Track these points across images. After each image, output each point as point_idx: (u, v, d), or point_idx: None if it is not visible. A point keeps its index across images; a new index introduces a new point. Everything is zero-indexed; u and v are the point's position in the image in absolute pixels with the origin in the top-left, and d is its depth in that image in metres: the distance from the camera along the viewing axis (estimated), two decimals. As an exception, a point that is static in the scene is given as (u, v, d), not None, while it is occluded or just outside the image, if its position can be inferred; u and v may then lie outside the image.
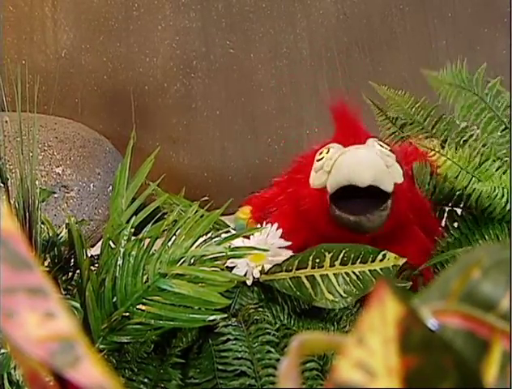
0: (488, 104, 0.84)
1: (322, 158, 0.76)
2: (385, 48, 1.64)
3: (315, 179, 0.77)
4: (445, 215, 0.82)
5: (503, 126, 0.83)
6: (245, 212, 0.89)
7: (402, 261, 0.71)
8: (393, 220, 0.75)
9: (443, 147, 0.78)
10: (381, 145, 0.77)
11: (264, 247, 0.71)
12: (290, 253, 0.74)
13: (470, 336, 0.21)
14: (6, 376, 0.60)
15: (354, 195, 0.73)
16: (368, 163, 0.73)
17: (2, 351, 0.60)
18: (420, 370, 0.18)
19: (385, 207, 0.74)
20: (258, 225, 0.80)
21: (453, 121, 0.91)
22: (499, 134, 0.83)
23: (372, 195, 0.73)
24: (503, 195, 0.73)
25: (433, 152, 0.78)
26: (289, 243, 0.75)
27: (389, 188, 0.74)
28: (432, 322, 0.21)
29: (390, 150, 0.78)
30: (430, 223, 0.81)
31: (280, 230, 0.75)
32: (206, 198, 0.79)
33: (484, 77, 0.86)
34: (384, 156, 0.75)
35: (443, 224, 0.82)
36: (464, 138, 0.87)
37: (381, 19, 1.63)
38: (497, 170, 0.75)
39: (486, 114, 0.84)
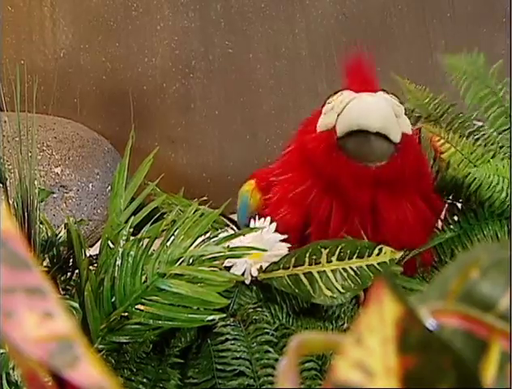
0: (500, 98, 0.85)
1: (332, 101, 0.76)
2: (384, 48, 1.64)
3: (323, 120, 0.77)
4: (446, 208, 0.82)
5: (510, 121, 0.84)
6: (249, 184, 0.88)
7: (398, 255, 0.71)
8: (399, 166, 0.74)
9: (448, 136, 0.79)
10: (391, 97, 0.77)
11: (261, 246, 0.71)
12: (287, 245, 0.74)
13: (468, 336, 0.21)
14: (4, 376, 0.60)
15: (362, 140, 0.73)
16: (379, 109, 0.73)
17: (1, 351, 0.60)
18: (418, 370, 0.18)
19: (392, 147, 0.74)
20: (259, 211, 0.80)
21: (468, 120, 0.91)
22: (507, 130, 0.83)
23: (380, 141, 0.73)
24: (498, 182, 0.73)
25: (437, 137, 0.78)
26: (285, 236, 0.75)
27: (396, 138, 0.74)
28: (430, 322, 0.21)
29: (400, 102, 0.78)
30: (432, 197, 0.81)
31: (274, 224, 0.75)
32: (204, 198, 0.79)
33: (500, 74, 0.86)
34: (394, 105, 0.75)
35: (443, 216, 0.82)
36: (477, 137, 0.87)
37: (380, 20, 1.63)
38: (500, 161, 0.76)
39: (496, 108, 0.84)
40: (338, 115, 0.74)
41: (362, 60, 0.79)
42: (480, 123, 0.89)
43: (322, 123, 0.77)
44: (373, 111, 0.73)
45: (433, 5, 1.63)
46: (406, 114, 0.96)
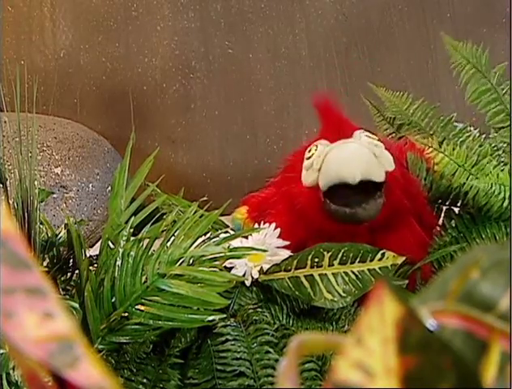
0: (500, 96, 0.85)
1: (310, 156, 0.77)
2: (384, 48, 1.64)
3: (306, 177, 0.77)
4: (443, 213, 0.82)
5: (509, 121, 0.84)
6: (241, 212, 0.89)
7: (400, 260, 0.71)
8: (388, 208, 0.75)
9: (440, 145, 0.78)
10: (367, 135, 0.77)
11: (262, 247, 0.71)
12: (288, 252, 0.74)
13: (468, 337, 0.21)
14: (4, 376, 0.60)
15: (347, 187, 0.73)
16: (355, 159, 0.73)
17: (1, 351, 0.60)
18: (418, 370, 0.18)
19: (379, 196, 0.74)
20: (256, 225, 0.80)
21: (451, 123, 0.91)
22: (505, 127, 0.83)
23: (365, 186, 0.73)
24: (500, 192, 0.73)
25: (430, 149, 0.78)
26: (287, 243, 0.75)
27: (380, 178, 0.74)
28: (431, 323, 0.21)
29: (378, 139, 0.78)
30: (426, 215, 0.81)
31: (278, 230, 0.76)
32: (205, 198, 0.79)
33: (503, 76, 0.86)
34: (372, 146, 0.75)
35: (441, 222, 0.82)
36: (462, 139, 0.87)
37: (380, 20, 1.63)
38: (494, 168, 0.76)
39: (497, 105, 0.84)
40: (318, 170, 0.74)
41: (330, 104, 0.79)
42: (461, 125, 0.89)
43: (306, 180, 0.77)
44: (351, 162, 0.73)
45: (433, 5, 1.63)
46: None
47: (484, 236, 0.76)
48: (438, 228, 0.80)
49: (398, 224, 0.78)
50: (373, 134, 0.79)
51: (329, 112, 0.79)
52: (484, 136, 0.85)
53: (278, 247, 0.75)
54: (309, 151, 0.78)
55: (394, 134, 0.96)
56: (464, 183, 0.75)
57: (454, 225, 0.79)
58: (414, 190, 0.80)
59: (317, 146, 0.77)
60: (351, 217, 0.74)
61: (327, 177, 0.73)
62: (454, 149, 0.77)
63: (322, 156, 0.75)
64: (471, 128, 0.88)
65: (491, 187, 0.72)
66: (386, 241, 0.75)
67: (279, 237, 0.75)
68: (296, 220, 0.79)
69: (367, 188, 0.73)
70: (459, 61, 0.88)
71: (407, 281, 0.72)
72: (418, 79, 1.63)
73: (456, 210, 0.81)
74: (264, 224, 0.77)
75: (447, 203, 0.82)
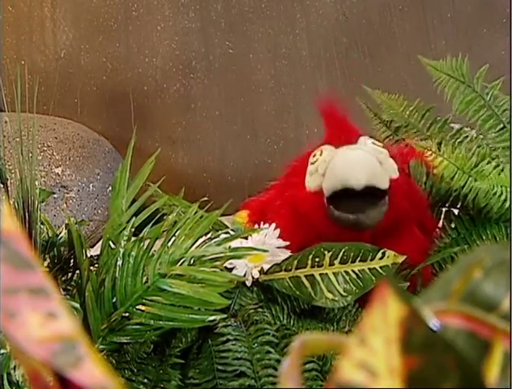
0: (487, 102, 0.84)
1: (315, 161, 0.77)
2: (384, 48, 1.64)
3: (310, 182, 0.77)
4: (442, 215, 0.82)
5: (501, 125, 0.83)
6: (242, 216, 0.89)
7: (401, 259, 0.71)
8: (391, 215, 0.75)
9: (439, 148, 0.78)
10: (373, 142, 0.77)
11: (263, 248, 0.71)
12: (288, 253, 0.74)
13: (471, 337, 0.21)
14: (5, 376, 0.60)
15: (351, 194, 0.73)
16: (361, 164, 0.73)
17: (2, 351, 0.60)
18: (421, 370, 0.18)
19: (383, 203, 0.74)
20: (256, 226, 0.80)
21: (447, 123, 0.91)
22: (496, 132, 0.83)
23: (369, 192, 0.73)
24: (502, 193, 0.73)
25: (429, 152, 0.78)
26: (287, 243, 0.75)
27: (385, 185, 0.74)
28: (433, 323, 0.21)
29: (383, 146, 0.78)
30: (427, 220, 0.82)
31: (278, 230, 0.75)
32: (205, 198, 0.79)
33: (485, 77, 0.86)
34: (376, 153, 0.75)
35: (440, 224, 0.82)
36: (459, 140, 0.87)
37: (380, 20, 1.63)
38: (493, 170, 0.76)
39: (485, 112, 0.84)
40: (323, 175, 0.74)
41: (335, 109, 0.79)
42: (458, 126, 0.89)
43: (310, 185, 0.77)
44: (356, 168, 0.72)
45: (433, 5, 1.63)
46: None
47: (484, 237, 0.76)
48: (438, 231, 0.80)
49: (399, 230, 0.78)
50: (377, 141, 0.79)
51: (334, 117, 0.78)
52: (481, 137, 0.85)
53: (278, 247, 0.75)
54: (314, 155, 0.77)
55: (391, 137, 0.95)
56: (464, 185, 0.75)
57: (453, 227, 0.79)
58: (416, 196, 0.80)
59: (321, 151, 0.77)
60: (354, 224, 0.74)
61: (332, 182, 0.73)
62: (453, 152, 0.77)
63: (327, 160, 0.74)
64: (469, 129, 0.88)
65: (492, 188, 0.72)
66: (387, 246, 0.75)
67: (279, 238, 0.75)
68: (299, 225, 0.79)
69: (371, 195, 0.73)
70: (442, 78, 0.88)
71: (408, 283, 0.72)
72: (418, 79, 1.63)
73: (456, 212, 0.81)
74: (265, 224, 0.77)
75: (447, 205, 0.82)
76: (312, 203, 0.76)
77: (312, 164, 0.77)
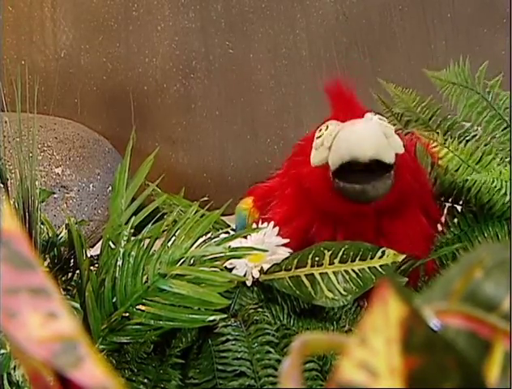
0: (489, 102, 0.84)
1: (321, 135, 0.76)
2: (384, 48, 1.64)
3: (316, 156, 0.77)
4: (445, 211, 0.82)
5: (505, 125, 0.84)
6: (247, 202, 0.88)
7: (400, 257, 0.71)
8: (397, 189, 0.74)
9: (445, 141, 0.79)
10: (379, 118, 0.77)
11: (262, 247, 0.71)
12: (288, 250, 0.74)
13: (472, 337, 0.21)
14: (5, 376, 0.60)
15: (356, 169, 0.73)
16: (368, 136, 0.72)
17: (2, 351, 0.60)
18: (422, 370, 0.18)
19: (388, 176, 0.74)
20: (255, 225, 0.80)
21: (457, 122, 0.91)
22: (501, 132, 0.83)
23: (374, 167, 0.73)
24: (501, 187, 0.73)
25: (435, 143, 0.78)
26: (287, 240, 0.75)
27: (391, 159, 0.73)
28: (434, 323, 0.21)
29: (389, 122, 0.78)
30: (431, 207, 0.81)
31: (277, 228, 0.75)
32: (205, 198, 0.79)
33: (485, 76, 0.86)
34: (383, 127, 0.75)
35: (443, 220, 0.82)
36: (467, 138, 0.87)
37: (380, 20, 1.63)
38: (498, 166, 0.76)
39: (488, 113, 0.84)
40: (329, 149, 0.74)
41: (342, 85, 0.78)
42: (469, 124, 0.89)
43: (315, 159, 0.77)
44: (362, 140, 0.72)
45: (433, 5, 1.63)
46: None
47: (486, 234, 0.76)
48: (440, 227, 0.80)
49: (404, 211, 0.77)
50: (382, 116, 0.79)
51: (340, 93, 0.78)
52: (490, 136, 0.85)
53: (277, 245, 0.74)
54: (320, 130, 0.77)
55: (400, 131, 0.96)
56: (467, 179, 0.75)
57: (456, 223, 0.79)
58: (422, 179, 0.80)
59: (327, 126, 0.76)
60: (360, 194, 0.73)
61: (338, 155, 0.73)
62: (458, 144, 0.77)
63: (333, 134, 0.74)
64: (478, 128, 0.88)
65: (492, 182, 0.72)
66: (392, 227, 0.75)
67: (278, 234, 0.75)
68: (304, 202, 0.78)
69: (377, 169, 0.73)
70: (445, 87, 0.88)
71: (406, 279, 0.72)
72: (418, 78, 1.63)
73: (459, 208, 0.81)
74: (269, 211, 0.77)
75: (450, 200, 0.82)
76: (317, 177, 0.76)
77: (317, 138, 0.77)
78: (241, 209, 0.87)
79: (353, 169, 0.72)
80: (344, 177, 0.74)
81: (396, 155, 0.74)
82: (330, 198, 0.75)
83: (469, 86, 0.86)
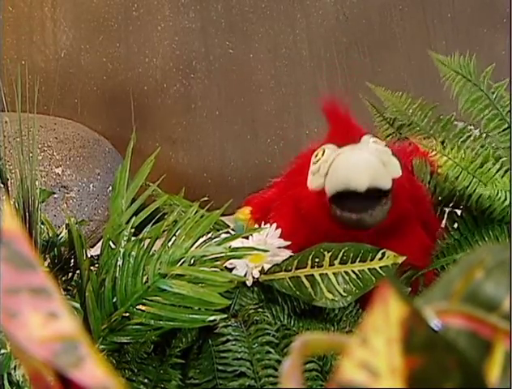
0: (492, 101, 0.84)
1: (317, 161, 0.76)
2: (384, 48, 1.64)
3: (313, 182, 0.77)
4: (445, 216, 0.82)
5: (506, 125, 0.83)
6: (244, 213, 0.88)
7: (401, 259, 0.71)
8: (394, 213, 0.75)
9: (444, 148, 0.78)
10: (375, 141, 0.77)
11: (264, 247, 0.71)
12: (289, 253, 0.74)
13: (473, 337, 0.21)
14: (6, 376, 0.60)
15: (353, 194, 0.73)
16: (363, 166, 0.72)
17: (3, 351, 0.60)
18: (423, 370, 0.18)
19: (385, 202, 0.74)
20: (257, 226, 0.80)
21: (451, 122, 0.91)
22: (501, 132, 0.83)
23: (371, 192, 0.73)
24: (506, 198, 0.73)
25: (434, 152, 0.78)
26: (288, 243, 0.75)
27: (387, 185, 0.73)
28: (435, 323, 0.21)
29: (386, 144, 0.78)
30: (431, 219, 0.81)
31: (279, 230, 0.75)
32: (205, 198, 0.79)
33: (490, 78, 0.86)
34: (379, 153, 0.75)
35: (443, 225, 0.82)
36: (462, 139, 0.87)
37: (380, 20, 1.63)
38: (497, 172, 0.75)
39: (490, 111, 0.84)
40: (325, 176, 0.74)
41: (338, 107, 0.78)
42: (461, 124, 0.89)
43: (312, 184, 0.77)
44: (358, 170, 0.71)
45: (433, 5, 1.63)
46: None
47: (486, 238, 0.76)
48: (441, 232, 0.80)
49: (403, 230, 0.78)
50: (379, 139, 0.79)
51: (336, 115, 0.78)
52: (484, 136, 0.85)
53: (279, 247, 0.74)
54: (316, 155, 0.77)
55: (394, 135, 0.95)
56: (468, 186, 0.75)
57: (456, 228, 0.79)
58: (420, 195, 0.80)
59: (324, 150, 0.76)
60: (357, 223, 0.74)
61: (334, 183, 0.73)
62: (458, 152, 0.77)
63: (329, 161, 0.74)
64: (472, 127, 0.88)
65: (496, 194, 0.72)
66: (390, 244, 0.75)
67: (280, 237, 0.75)
68: (301, 224, 0.78)
69: (374, 194, 0.73)
70: (449, 74, 0.88)
71: (409, 289, 0.72)
72: (418, 79, 1.63)
73: (459, 212, 0.81)
74: (266, 224, 0.77)
75: (450, 206, 0.82)
76: (314, 203, 0.76)
77: (314, 163, 0.77)
78: (239, 219, 0.87)
79: (350, 195, 0.72)
80: (341, 203, 0.74)
81: (393, 179, 0.74)
82: (327, 224, 0.75)
83: (473, 80, 0.86)
